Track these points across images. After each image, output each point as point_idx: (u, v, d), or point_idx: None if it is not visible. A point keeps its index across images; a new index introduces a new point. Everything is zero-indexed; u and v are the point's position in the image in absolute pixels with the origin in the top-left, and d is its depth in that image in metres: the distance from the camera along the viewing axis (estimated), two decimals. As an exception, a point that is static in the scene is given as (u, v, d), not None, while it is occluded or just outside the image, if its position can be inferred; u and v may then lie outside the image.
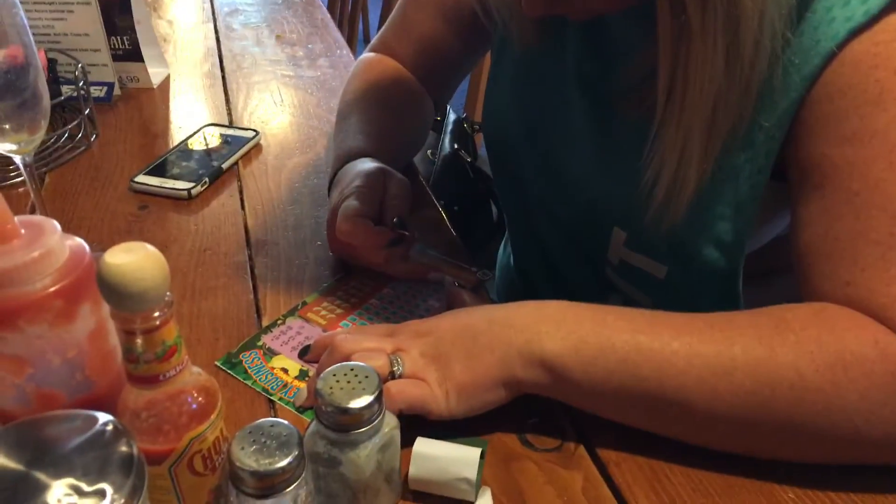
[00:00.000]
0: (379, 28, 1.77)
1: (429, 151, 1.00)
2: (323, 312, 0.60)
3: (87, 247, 0.40)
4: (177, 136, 0.87)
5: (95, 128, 0.86)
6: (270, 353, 0.56)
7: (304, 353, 0.56)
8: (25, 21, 0.57)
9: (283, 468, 0.34)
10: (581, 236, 0.68)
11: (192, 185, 0.75)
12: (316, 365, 0.53)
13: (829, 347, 0.43)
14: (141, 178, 0.77)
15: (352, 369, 0.42)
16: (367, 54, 0.83)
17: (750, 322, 0.46)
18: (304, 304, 0.61)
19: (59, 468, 0.29)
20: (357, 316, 0.60)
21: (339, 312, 0.60)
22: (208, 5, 1.29)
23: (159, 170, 0.78)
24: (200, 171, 0.78)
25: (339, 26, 1.68)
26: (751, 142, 0.51)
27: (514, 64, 0.71)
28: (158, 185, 0.76)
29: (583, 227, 0.67)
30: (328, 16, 1.28)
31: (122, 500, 0.29)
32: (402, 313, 0.61)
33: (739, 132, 0.50)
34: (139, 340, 0.35)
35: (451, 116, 1.05)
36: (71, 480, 0.29)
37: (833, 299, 0.46)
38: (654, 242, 0.59)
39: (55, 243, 0.38)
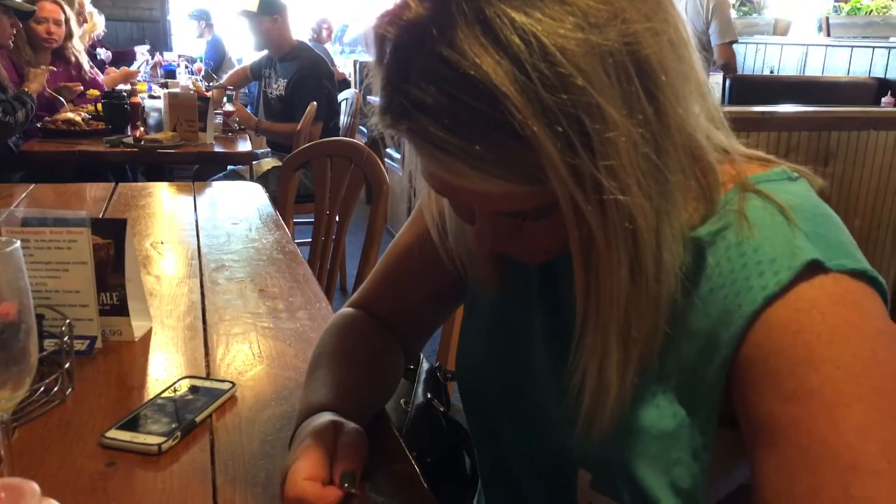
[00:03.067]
0: (356, 279, 1.86)
1: (402, 401, 1.01)
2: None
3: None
4: (153, 388, 0.88)
5: (72, 382, 0.87)
6: None
7: None
8: (28, 284, 0.61)
9: None
10: (554, 483, 0.69)
11: (162, 439, 0.75)
12: None
13: None
14: (112, 434, 0.76)
15: None
16: (344, 309, 0.88)
17: None
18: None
19: None
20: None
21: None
22: (196, 262, 1.37)
23: (131, 424, 0.78)
24: (173, 425, 0.78)
25: (319, 279, 1.77)
26: (693, 392, 0.56)
27: (486, 317, 0.76)
28: (129, 440, 0.75)
29: (554, 472, 0.68)
30: (309, 271, 1.36)
31: None
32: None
33: (674, 370, 0.55)
34: None
35: (425, 365, 1.08)
36: None
37: None
38: (617, 484, 0.60)
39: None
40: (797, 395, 0.49)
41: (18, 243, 0.60)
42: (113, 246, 1.01)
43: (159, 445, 0.74)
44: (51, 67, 2.97)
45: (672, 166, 0.51)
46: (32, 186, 1.93)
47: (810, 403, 0.49)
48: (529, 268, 0.71)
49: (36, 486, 0.39)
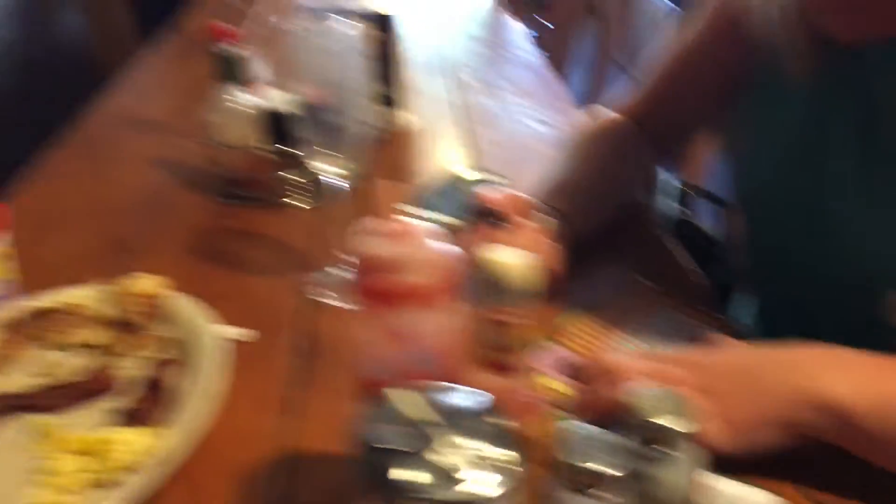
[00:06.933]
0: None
1: (660, 212, 1.03)
2: (578, 338, 0.64)
3: (459, 250, 0.47)
4: (431, 177, 0.95)
5: (365, 167, 0.97)
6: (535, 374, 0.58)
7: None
8: (340, 72, 0.73)
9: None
10: (852, 303, 0.65)
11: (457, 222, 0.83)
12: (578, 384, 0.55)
13: None
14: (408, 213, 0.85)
15: (657, 390, 0.44)
16: (609, 113, 0.89)
17: None
18: (557, 328, 0.65)
19: (467, 431, 0.35)
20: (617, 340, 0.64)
21: (596, 336, 0.64)
22: (443, 64, 1.42)
23: (422, 208, 0.87)
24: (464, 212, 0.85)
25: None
26: None
27: (778, 128, 0.71)
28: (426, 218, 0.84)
29: (852, 292, 0.64)
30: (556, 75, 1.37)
31: (515, 469, 0.34)
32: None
33: None
34: (502, 331, 0.41)
35: (674, 182, 1.07)
36: (477, 443, 0.35)
37: None
38: None
39: (437, 243, 0.46)
40: None
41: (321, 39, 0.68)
42: (384, 38, 1.06)
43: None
44: None
45: None
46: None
47: None
48: (831, 65, 0.64)
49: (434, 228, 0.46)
